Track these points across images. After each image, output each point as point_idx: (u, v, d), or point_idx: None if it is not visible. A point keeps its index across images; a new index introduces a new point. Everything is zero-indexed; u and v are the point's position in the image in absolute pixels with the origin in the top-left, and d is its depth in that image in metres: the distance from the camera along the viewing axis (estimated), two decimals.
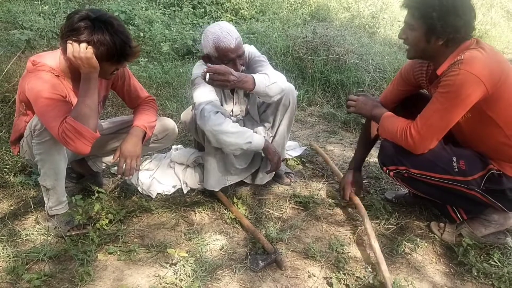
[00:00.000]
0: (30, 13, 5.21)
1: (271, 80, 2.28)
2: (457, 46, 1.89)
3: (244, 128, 2.38)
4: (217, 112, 2.30)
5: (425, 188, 2.15)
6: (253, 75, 2.26)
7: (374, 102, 2.29)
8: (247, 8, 6.73)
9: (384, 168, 2.19)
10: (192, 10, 6.42)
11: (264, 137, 2.47)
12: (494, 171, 1.99)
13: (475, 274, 1.98)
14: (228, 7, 6.67)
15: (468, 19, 1.84)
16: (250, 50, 2.54)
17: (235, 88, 2.23)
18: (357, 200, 2.43)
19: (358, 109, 2.32)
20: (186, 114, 2.67)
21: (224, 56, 2.31)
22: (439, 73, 1.93)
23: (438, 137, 1.97)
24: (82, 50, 1.79)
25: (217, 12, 6.53)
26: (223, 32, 2.29)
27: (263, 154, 2.58)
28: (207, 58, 2.42)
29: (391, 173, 2.17)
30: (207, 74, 2.11)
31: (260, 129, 2.61)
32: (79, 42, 1.80)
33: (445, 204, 2.23)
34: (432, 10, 1.83)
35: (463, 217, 2.19)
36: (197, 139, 2.64)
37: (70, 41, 1.80)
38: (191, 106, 2.49)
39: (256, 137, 2.38)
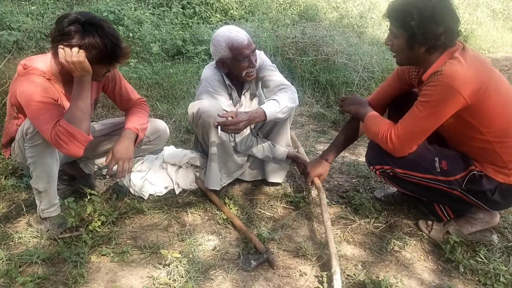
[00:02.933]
0: (17, 14, 5.15)
1: (281, 106, 2.36)
2: (442, 52, 1.93)
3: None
4: None
5: (411, 187, 2.20)
6: (262, 106, 2.33)
7: (360, 101, 2.34)
8: (236, 8, 6.73)
9: (371, 167, 2.25)
10: (182, 10, 6.41)
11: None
12: (476, 172, 2.04)
13: (462, 270, 2.03)
14: (217, 7, 6.66)
15: (448, 25, 1.87)
16: (260, 57, 2.59)
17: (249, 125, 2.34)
18: (318, 183, 2.47)
19: (345, 108, 2.37)
20: (193, 106, 2.55)
21: (239, 55, 2.36)
22: (424, 79, 1.97)
23: (417, 142, 2.03)
24: (74, 54, 1.80)
25: (207, 12, 6.52)
26: (232, 32, 2.36)
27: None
28: (221, 63, 2.47)
29: (377, 172, 2.23)
30: (219, 128, 2.20)
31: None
32: (71, 46, 1.80)
33: (431, 202, 2.29)
34: (411, 19, 1.86)
35: (449, 215, 2.25)
36: (198, 137, 2.65)
37: (62, 46, 1.81)
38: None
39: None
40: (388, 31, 2.03)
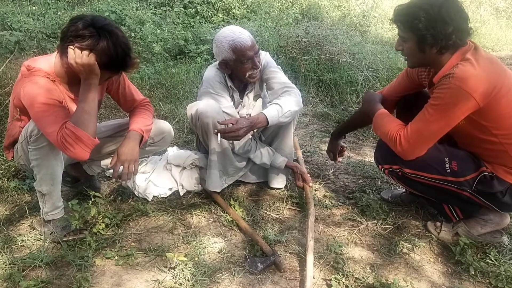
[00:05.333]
0: (19, 14, 5.13)
1: (284, 110, 2.32)
2: (453, 52, 1.89)
3: None
4: None
5: (420, 187, 2.17)
6: (264, 112, 2.30)
7: (372, 98, 2.31)
8: (239, 7, 6.70)
9: (380, 166, 2.24)
10: (183, 10, 6.38)
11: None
12: (486, 173, 2.01)
13: (473, 273, 1.99)
14: (219, 6, 6.64)
15: (458, 24, 1.83)
16: (265, 58, 2.55)
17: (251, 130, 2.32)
18: (307, 191, 2.54)
19: (362, 107, 2.37)
20: (191, 107, 2.52)
21: (242, 56, 2.32)
22: (435, 81, 1.94)
23: (427, 146, 1.99)
24: (84, 56, 1.79)
25: (209, 11, 6.50)
26: (235, 33, 2.32)
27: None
28: (224, 64, 2.43)
29: (386, 172, 2.22)
30: (219, 135, 2.18)
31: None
32: (81, 48, 1.79)
33: (440, 202, 2.25)
34: (418, 22, 1.82)
35: (459, 216, 2.21)
36: (199, 137, 2.62)
37: (72, 47, 1.79)
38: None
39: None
40: (398, 36, 1.99)
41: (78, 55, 1.79)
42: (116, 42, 1.83)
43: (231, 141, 2.49)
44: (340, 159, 2.75)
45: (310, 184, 2.59)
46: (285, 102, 2.35)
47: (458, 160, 2.03)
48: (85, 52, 1.79)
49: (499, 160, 2.00)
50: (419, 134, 1.95)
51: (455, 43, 1.86)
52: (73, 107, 1.99)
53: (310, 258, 1.96)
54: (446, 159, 2.03)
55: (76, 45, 1.78)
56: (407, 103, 2.30)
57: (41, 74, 1.90)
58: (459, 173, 2.02)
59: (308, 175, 2.62)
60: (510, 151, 1.94)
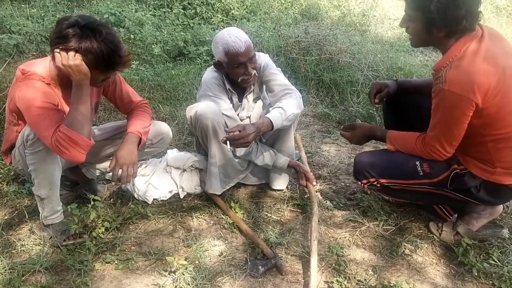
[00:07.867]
0: (18, 17, 5.11)
1: (287, 114, 2.31)
2: (458, 38, 1.80)
3: None
4: None
5: (403, 195, 2.17)
6: (269, 116, 2.28)
7: (366, 130, 2.29)
8: (238, 8, 6.68)
9: (360, 183, 2.22)
10: (183, 11, 6.36)
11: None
12: (458, 171, 1.99)
13: (476, 274, 1.98)
14: (218, 7, 6.61)
15: (470, 7, 1.74)
16: (265, 60, 2.54)
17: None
18: (310, 190, 2.51)
19: (356, 143, 2.36)
20: (190, 109, 2.50)
21: (234, 61, 2.31)
22: (434, 69, 1.88)
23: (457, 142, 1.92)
24: (70, 57, 1.76)
25: (208, 12, 6.47)
26: (231, 37, 2.30)
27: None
28: (218, 65, 2.43)
29: (366, 186, 2.20)
30: (228, 143, 2.17)
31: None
32: (67, 50, 1.76)
33: (428, 205, 2.24)
34: (429, 3, 1.74)
35: (451, 214, 2.22)
36: (199, 139, 2.60)
37: (58, 50, 1.77)
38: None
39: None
40: (404, 13, 1.90)
41: (64, 57, 1.76)
42: (100, 40, 1.78)
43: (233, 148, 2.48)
44: (376, 100, 2.40)
45: (314, 183, 2.57)
46: (287, 105, 2.34)
47: (428, 162, 2.01)
48: (71, 53, 1.76)
49: (474, 153, 1.94)
50: (450, 136, 1.89)
51: (464, 28, 1.78)
52: (68, 110, 1.97)
53: (314, 258, 1.94)
54: (417, 163, 2.02)
55: (61, 47, 1.76)
56: (394, 103, 2.29)
57: (36, 78, 1.88)
58: (432, 174, 2.01)
59: (311, 174, 2.60)
60: (492, 150, 1.89)
